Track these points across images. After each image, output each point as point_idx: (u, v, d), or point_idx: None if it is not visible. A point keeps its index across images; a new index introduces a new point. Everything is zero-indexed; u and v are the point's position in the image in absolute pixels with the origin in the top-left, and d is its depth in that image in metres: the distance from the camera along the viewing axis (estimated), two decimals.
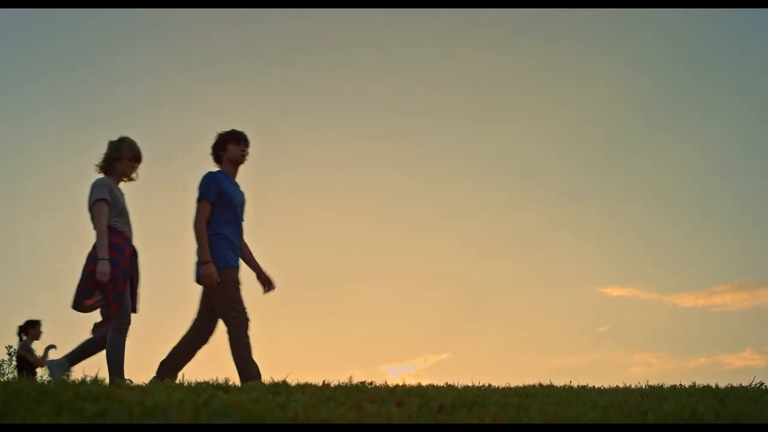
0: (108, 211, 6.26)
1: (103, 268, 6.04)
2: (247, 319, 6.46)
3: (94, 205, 6.27)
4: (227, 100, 16.99)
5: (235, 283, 6.54)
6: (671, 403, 3.55)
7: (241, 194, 6.92)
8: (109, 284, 6.07)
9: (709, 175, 17.90)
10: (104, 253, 6.10)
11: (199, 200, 6.66)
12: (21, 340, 10.91)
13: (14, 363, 10.85)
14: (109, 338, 6.11)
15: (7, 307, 16.18)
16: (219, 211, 6.69)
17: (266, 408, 2.92)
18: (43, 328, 11.09)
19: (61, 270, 17.26)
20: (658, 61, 16.98)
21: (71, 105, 16.87)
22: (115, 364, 6.06)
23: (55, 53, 16.45)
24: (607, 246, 18.06)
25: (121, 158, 6.48)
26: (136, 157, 6.56)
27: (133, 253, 6.41)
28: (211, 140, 6.83)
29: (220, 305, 6.47)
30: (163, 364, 6.42)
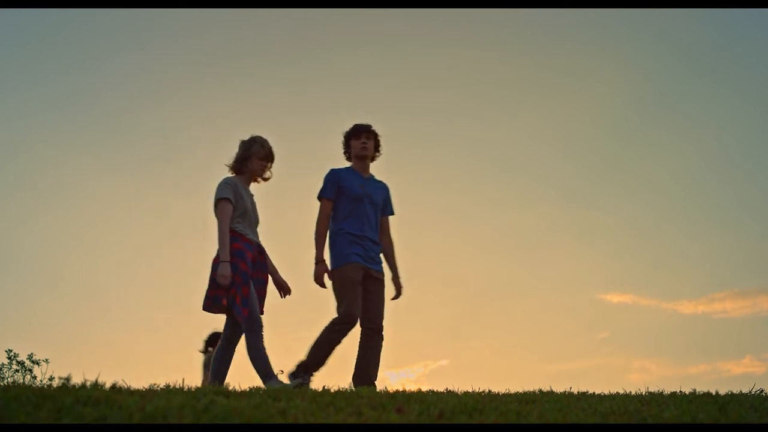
0: (231, 211, 6.15)
1: (224, 270, 5.93)
2: (349, 321, 6.28)
3: (216, 204, 6.17)
4: (228, 101, 16.97)
5: (349, 281, 6.37)
6: (671, 411, 3.55)
7: (376, 187, 6.79)
8: (232, 289, 5.96)
9: (710, 181, 17.88)
10: (225, 254, 5.98)
11: (318, 198, 6.66)
12: (206, 351, 10.93)
13: (203, 375, 10.87)
14: (247, 343, 5.99)
15: (6, 309, 16.14)
16: (340, 206, 6.64)
17: (266, 414, 2.93)
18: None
19: (61, 271, 17.24)
20: (663, 64, 16.96)
21: (71, 105, 16.85)
22: (263, 367, 5.94)
23: (55, 53, 16.42)
24: (608, 252, 18.02)
25: (252, 157, 6.39)
26: (267, 156, 6.45)
27: (259, 254, 6.28)
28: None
29: (335, 299, 6.40)
30: (356, 377, 6.35)
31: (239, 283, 5.94)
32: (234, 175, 6.42)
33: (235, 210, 6.18)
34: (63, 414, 2.75)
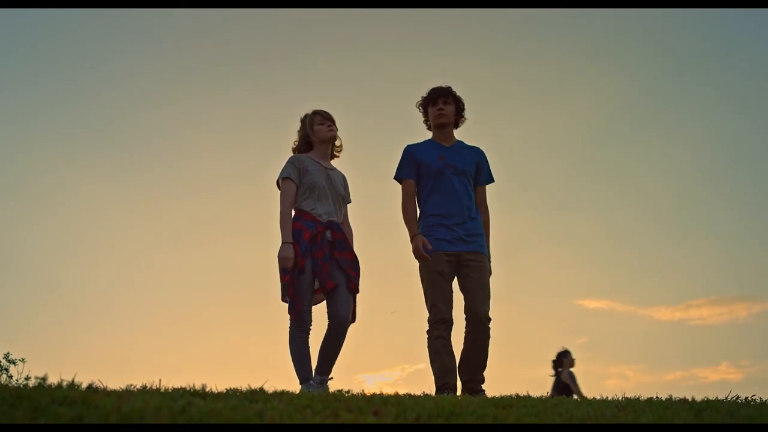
0: (293, 189, 5.86)
1: (284, 252, 5.67)
2: (439, 317, 5.84)
3: (279, 184, 5.94)
4: (228, 103, 16.94)
5: (431, 274, 5.91)
6: (647, 416, 3.57)
7: (462, 155, 6.18)
8: (287, 276, 5.68)
9: (689, 189, 17.99)
10: (285, 236, 5.72)
11: (397, 180, 6.19)
12: (557, 371, 11.05)
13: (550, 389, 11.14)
14: (290, 337, 5.73)
15: (6, 309, 16.09)
16: (421, 185, 6.12)
17: (243, 415, 2.92)
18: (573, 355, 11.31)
19: (61, 272, 17.17)
20: (649, 66, 17.04)
21: (70, 106, 16.79)
22: (300, 368, 5.69)
23: (54, 54, 16.36)
24: (585, 257, 18.09)
25: (312, 126, 6.06)
26: (323, 116, 6.08)
27: (330, 230, 5.89)
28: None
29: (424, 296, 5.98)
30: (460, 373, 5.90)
31: (289, 268, 5.70)
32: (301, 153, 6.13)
33: (299, 187, 5.91)
34: (39, 414, 2.74)
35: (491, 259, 6.21)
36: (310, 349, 5.82)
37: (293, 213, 5.95)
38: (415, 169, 6.15)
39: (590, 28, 16.66)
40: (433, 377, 5.91)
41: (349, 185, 6.31)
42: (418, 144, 6.27)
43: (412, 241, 5.97)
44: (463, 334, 6.00)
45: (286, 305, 5.75)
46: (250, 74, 16.93)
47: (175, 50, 16.60)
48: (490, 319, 5.97)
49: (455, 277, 6.08)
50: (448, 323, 5.91)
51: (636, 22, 16.53)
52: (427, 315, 6.03)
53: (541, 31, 16.59)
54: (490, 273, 6.18)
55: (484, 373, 5.98)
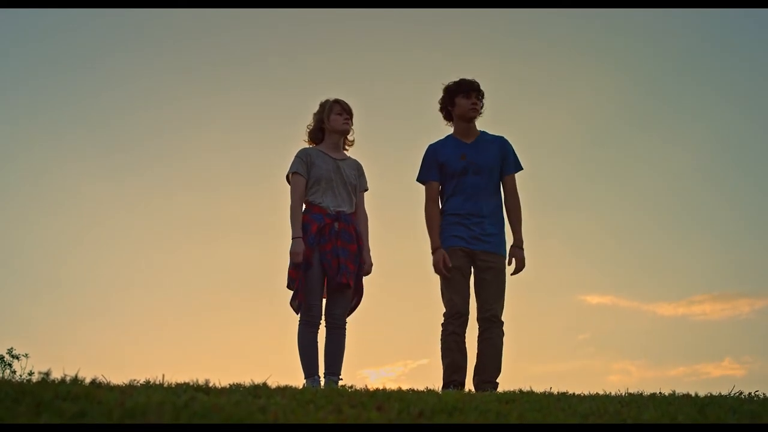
0: (302, 184, 5.85)
1: (294, 247, 5.66)
2: (454, 311, 5.76)
3: (288, 179, 5.93)
4: (227, 104, 16.92)
5: (449, 268, 5.81)
6: (651, 412, 3.57)
7: (483, 150, 6.03)
8: (291, 270, 5.69)
9: (692, 185, 17.95)
10: (295, 230, 5.71)
11: (420, 182, 6.07)
12: None
13: None
14: (298, 332, 5.74)
15: (8, 307, 16.07)
16: (444, 185, 6.02)
17: (246, 411, 2.92)
18: None
19: (62, 271, 17.18)
20: (648, 65, 17.00)
21: (70, 105, 16.77)
22: (306, 362, 5.69)
23: (54, 54, 16.33)
24: (588, 253, 18.03)
25: (329, 116, 6.01)
26: (342, 107, 6.04)
27: (338, 222, 5.83)
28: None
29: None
30: (474, 376, 5.81)
31: (298, 263, 5.68)
32: (311, 146, 6.10)
33: (308, 180, 5.89)
34: (42, 409, 2.73)
35: (523, 246, 6.12)
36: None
37: (303, 206, 5.95)
38: (438, 169, 6.05)
39: (590, 28, 16.57)
40: (441, 372, 5.88)
41: (365, 173, 6.25)
42: (439, 143, 6.15)
43: (433, 253, 5.93)
44: (477, 337, 5.93)
45: (291, 301, 5.76)
46: (250, 74, 16.86)
47: (175, 50, 16.54)
48: (501, 321, 5.92)
49: (471, 274, 6.01)
50: (464, 318, 5.84)
51: (636, 22, 16.45)
52: (440, 311, 5.97)
53: (541, 31, 16.50)
54: (521, 265, 6.10)
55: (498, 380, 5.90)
